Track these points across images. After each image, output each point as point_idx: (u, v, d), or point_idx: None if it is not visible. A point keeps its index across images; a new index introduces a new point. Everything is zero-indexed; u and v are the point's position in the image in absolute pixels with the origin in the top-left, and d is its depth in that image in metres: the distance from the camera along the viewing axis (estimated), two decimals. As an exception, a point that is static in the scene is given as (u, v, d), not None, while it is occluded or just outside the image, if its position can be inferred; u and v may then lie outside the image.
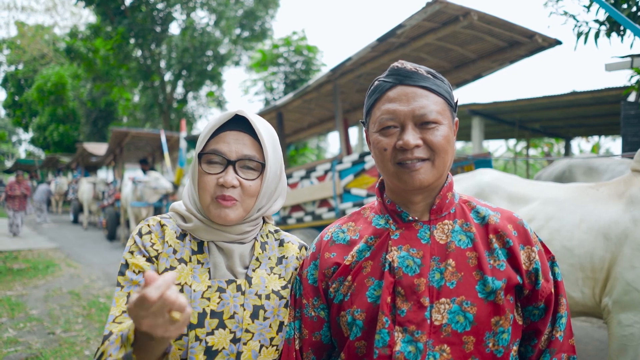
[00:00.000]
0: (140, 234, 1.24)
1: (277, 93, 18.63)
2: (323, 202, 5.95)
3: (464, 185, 3.43)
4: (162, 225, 1.27)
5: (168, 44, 21.05)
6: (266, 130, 1.27)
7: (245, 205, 1.24)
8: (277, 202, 1.35)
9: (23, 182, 13.63)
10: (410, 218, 1.19)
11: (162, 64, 22.11)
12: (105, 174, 20.06)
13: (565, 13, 5.21)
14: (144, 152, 15.19)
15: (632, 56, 5.44)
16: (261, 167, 1.25)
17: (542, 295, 1.16)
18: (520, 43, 5.15)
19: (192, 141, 9.77)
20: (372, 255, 1.19)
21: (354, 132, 14.99)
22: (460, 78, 6.21)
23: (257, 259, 1.30)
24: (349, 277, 1.19)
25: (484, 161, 5.26)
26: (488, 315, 1.09)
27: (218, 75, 22.71)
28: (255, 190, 1.24)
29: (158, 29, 20.83)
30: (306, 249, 1.41)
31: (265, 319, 1.24)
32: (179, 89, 23.54)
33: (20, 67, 35.59)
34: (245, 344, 1.20)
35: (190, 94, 24.01)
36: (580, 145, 19.77)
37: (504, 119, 12.34)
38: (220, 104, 25.00)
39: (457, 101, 1.22)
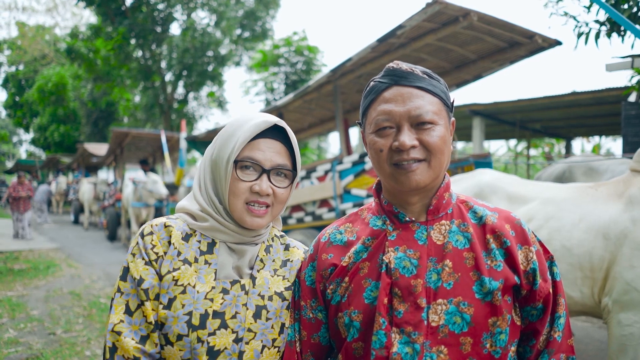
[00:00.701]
0: (142, 235, 1.25)
1: (277, 93, 18.65)
2: (323, 203, 5.95)
3: (463, 185, 3.43)
4: (166, 227, 1.27)
5: (169, 45, 21.07)
6: (294, 139, 1.31)
7: (275, 211, 1.30)
8: (285, 205, 1.38)
9: (25, 184, 13.23)
10: (407, 219, 1.18)
11: (163, 64, 22.13)
12: (106, 175, 20.07)
13: (566, 14, 5.21)
14: (145, 153, 15.20)
15: (632, 56, 5.43)
16: (292, 176, 1.30)
17: (540, 296, 1.15)
18: (521, 43, 5.15)
19: (191, 142, 9.77)
20: (369, 257, 1.19)
21: (354, 133, 15.00)
22: (461, 78, 6.21)
23: (261, 261, 1.31)
24: (346, 279, 1.19)
25: (483, 161, 5.25)
26: (485, 316, 1.08)
27: (219, 75, 22.73)
28: (286, 197, 1.30)
29: (159, 29, 20.85)
30: None
31: (267, 319, 1.24)
32: (180, 90, 23.57)
33: (21, 67, 35.63)
34: (247, 343, 1.20)
35: (191, 95, 24.04)
36: (583, 144, 19.74)
37: (505, 119, 12.33)
38: (221, 104, 25.02)
39: (453, 101, 1.22)
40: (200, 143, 9.20)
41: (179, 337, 1.16)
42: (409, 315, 1.10)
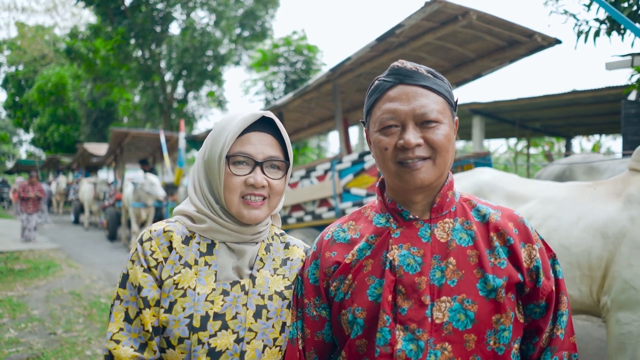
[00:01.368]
0: (141, 241, 1.26)
1: (277, 93, 18.62)
2: (323, 202, 5.96)
3: (462, 184, 3.44)
4: (165, 232, 1.27)
5: (168, 44, 21.06)
6: (284, 130, 1.32)
7: (272, 203, 1.30)
8: (282, 197, 1.38)
9: (36, 184, 12.91)
10: (411, 217, 1.19)
11: (163, 64, 22.12)
12: (106, 175, 20.07)
13: (566, 12, 5.21)
14: (145, 153, 15.21)
15: (632, 55, 5.44)
16: (285, 166, 1.30)
17: (543, 293, 1.16)
18: (520, 42, 5.14)
19: (192, 141, 9.77)
20: (373, 254, 1.19)
21: (354, 132, 15.00)
22: (460, 77, 6.21)
23: (261, 260, 1.31)
24: (350, 276, 1.19)
25: (483, 160, 5.25)
26: (489, 313, 1.09)
27: (218, 75, 22.73)
28: (281, 188, 1.30)
29: (158, 29, 20.84)
30: None
31: (268, 319, 1.25)
32: (180, 89, 23.56)
33: (21, 67, 35.61)
34: (248, 343, 1.21)
35: (191, 94, 24.03)
36: (581, 143, 19.75)
37: (505, 118, 12.33)
38: (220, 104, 25.01)
39: (457, 100, 1.23)
40: (200, 142, 9.21)
41: (180, 340, 1.17)
42: (413, 313, 1.10)
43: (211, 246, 1.27)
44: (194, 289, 1.20)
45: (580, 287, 2.64)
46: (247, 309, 1.23)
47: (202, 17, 22.54)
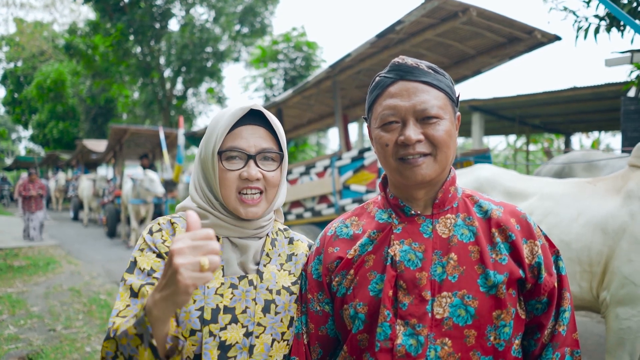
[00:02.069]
0: (150, 232, 1.26)
1: (276, 89, 18.60)
2: (322, 199, 5.96)
3: (462, 180, 3.44)
4: (172, 224, 1.28)
5: (167, 41, 21.01)
6: (276, 121, 1.31)
7: (269, 196, 1.29)
8: (283, 190, 1.37)
9: (37, 181, 12.36)
10: (413, 212, 1.19)
11: (162, 60, 22.07)
12: (105, 171, 20.06)
13: (565, 9, 5.19)
14: (144, 149, 15.20)
15: (632, 51, 5.43)
16: (279, 158, 1.29)
17: (545, 289, 1.15)
18: (520, 39, 5.14)
19: (191, 138, 9.77)
20: (375, 249, 1.20)
21: (353, 128, 14.99)
22: (460, 74, 6.20)
23: (267, 255, 1.31)
24: (352, 271, 1.20)
25: (483, 157, 5.26)
26: (489, 309, 1.09)
27: (218, 71, 22.68)
28: (277, 180, 1.29)
29: (157, 25, 20.78)
30: None
31: (276, 313, 1.25)
32: (179, 86, 23.51)
33: (20, 64, 35.49)
34: (257, 337, 1.21)
35: (190, 91, 24.00)
36: (581, 140, 19.76)
37: (504, 115, 12.32)
38: (220, 100, 24.98)
39: (458, 96, 1.23)
40: (199, 139, 9.20)
41: (192, 332, 1.17)
42: (413, 308, 1.10)
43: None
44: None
45: (580, 282, 2.65)
46: (256, 303, 1.23)
47: (202, 13, 22.49)
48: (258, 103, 1.29)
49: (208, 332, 1.17)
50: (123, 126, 12.81)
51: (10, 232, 13.78)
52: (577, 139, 19.62)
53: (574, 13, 5.11)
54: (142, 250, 1.24)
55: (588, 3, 5.07)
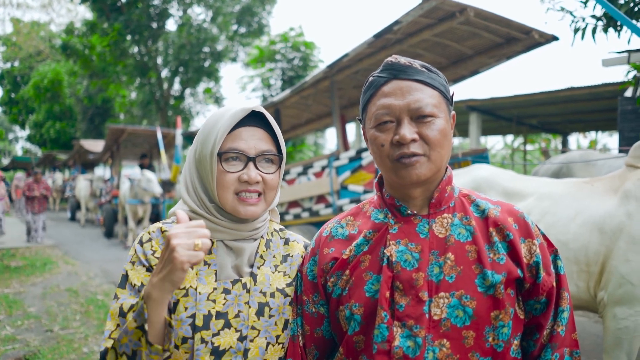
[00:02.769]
0: (141, 243, 1.24)
1: (274, 89, 18.58)
2: (320, 199, 5.96)
3: (460, 180, 3.44)
4: (163, 232, 1.26)
5: (165, 41, 20.96)
6: (275, 123, 1.29)
7: (268, 198, 1.28)
8: (278, 192, 1.36)
9: (42, 181, 12.04)
10: (409, 212, 1.18)
11: (159, 60, 22.01)
12: (102, 171, 20.01)
13: (562, 9, 5.19)
14: (141, 149, 15.17)
15: (629, 52, 5.44)
16: (278, 160, 1.28)
17: (544, 289, 1.14)
18: (517, 39, 5.15)
19: (188, 138, 9.76)
20: (371, 250, 1.19)
21: (351, 128, 15.00)
22: (457, 74, 6.21)
23: (261, 257, 1.30)
24: (347, 272, 1.19)
25: (480, 157, 5.26)
26: (488, 309, 1.08)
27: (215, 71, 22.63)
28: (276, 182, 1.28)
29: (154, 25, 20.73)
30: None
31: (270, 316, 1.24)
32: (176, 86, 23.45)
33: (16, 64, 35.38)
34: (251, 341, 1.20)
35: (188, 91, 23.94)
36: (579, 140, 19.80)
37: (502, 115, 12.33)
38: (217, 100, 24.93)
39: (453, 94, 1.21)
40: (197, 139, 9.17)
41: (184, 340, 1.16)
42: (410, 309, 1.09)
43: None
44: (196, 289, 1.19)
45: (577, 282, 2.65)
46: (250, 307, 1.22)
47: (199, 13, 22.43)
48: (257, 103, 1.28)
49: (200, 338, 1.16)
50: (120, 126, 12.79)
51: (8, 233, 13.74)
52: (574, 139, 19.65)
53: (571, 13, 5.11)
54: (133, 263, 1.22)
55: (585, 3, 5.07)
